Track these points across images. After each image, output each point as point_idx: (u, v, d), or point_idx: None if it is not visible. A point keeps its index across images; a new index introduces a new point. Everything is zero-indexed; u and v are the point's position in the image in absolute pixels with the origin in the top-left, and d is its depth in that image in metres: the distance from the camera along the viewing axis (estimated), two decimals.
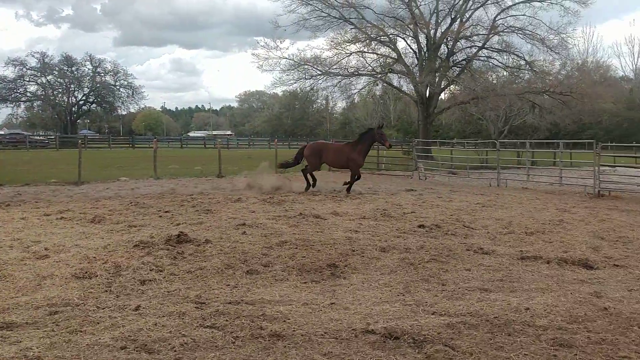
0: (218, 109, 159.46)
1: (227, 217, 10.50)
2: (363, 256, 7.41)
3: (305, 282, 6.23)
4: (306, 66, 39.13)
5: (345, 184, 16.45)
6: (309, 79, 40.00)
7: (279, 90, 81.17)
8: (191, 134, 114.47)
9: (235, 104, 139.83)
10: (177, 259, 7.07)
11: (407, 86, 44.82)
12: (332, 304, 5.38)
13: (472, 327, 4.69)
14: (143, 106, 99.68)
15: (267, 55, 38.70)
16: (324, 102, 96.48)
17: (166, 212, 11.45)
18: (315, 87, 43.31)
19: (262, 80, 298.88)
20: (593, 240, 8.96)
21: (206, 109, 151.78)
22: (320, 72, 39.46)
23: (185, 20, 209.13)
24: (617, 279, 6.55)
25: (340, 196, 14.69)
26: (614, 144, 29.35)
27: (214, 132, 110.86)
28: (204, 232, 8.79)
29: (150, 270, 6.46)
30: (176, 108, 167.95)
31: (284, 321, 4.81)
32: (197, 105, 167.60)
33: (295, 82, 40.88)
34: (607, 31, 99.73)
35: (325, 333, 4.54)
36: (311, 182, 16.62)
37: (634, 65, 76.08)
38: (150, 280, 6.11)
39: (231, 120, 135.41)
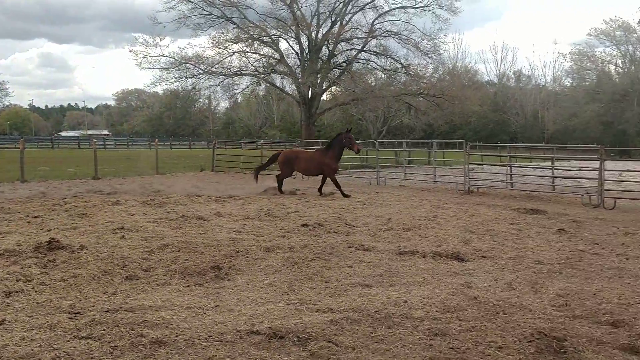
0: (93, 107, 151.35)
1: (104, 221, 9.98)
2: (247, 257, 7.37)
3: (188, 286, 6.08)
4: (188, 65, 38.29)
5: (323, 192, 16.17)
6: (191, 78, 39.19)
7: (159, 89, 78.56)
8: (63, 133, 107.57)
9: (112, 103, 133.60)
10: (48, 267, 6.61)
11: (289, 87, 45.38)
12: (217, 306, 5.30)
13: (354, 322, 4.82)
14: (7, 103, 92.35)
15: (146, 52, 37.45)
16: (206, 101, 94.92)
17: (35, 217, 10.65)
18: (197, 87, 42.53)
19: (141, 78, 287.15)
20: (464, 234, 9.57)
21: (80, 107, 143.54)
22: (202, 71, 38.78)
23: (55, 13, 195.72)
24: (485, 269, 7.04)
25: (224, 197, 14.51)
26: (481, 143, 31.53)
27: (89, 132, 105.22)
28: (78, 238, 8.30)
29: (17, 280, 5.98)
30: (46, 106, 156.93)
31: (166, 327, 4.66)
32: (70, 104, 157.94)
33: (176, 81, 39.92)
34: (473, 38, 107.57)
35: (209, 336, 4.46)
36: (282, 187, 16.52)
37: (498, 71, 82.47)
38: (17, 292, 5.65)
39: (108, 119, 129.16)
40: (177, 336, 4.45)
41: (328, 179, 16.40)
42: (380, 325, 4.76)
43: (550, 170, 19.13)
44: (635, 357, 4.24)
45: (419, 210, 12.60)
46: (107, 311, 5.08)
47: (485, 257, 7.77)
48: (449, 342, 4.41)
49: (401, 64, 40.42)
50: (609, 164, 17.94)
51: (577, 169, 19.55)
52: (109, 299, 5.51)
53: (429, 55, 39.86)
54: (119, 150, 56.72)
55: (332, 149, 16.27)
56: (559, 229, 10.37)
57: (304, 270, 6.80)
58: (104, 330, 4.56)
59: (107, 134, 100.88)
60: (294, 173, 18.56)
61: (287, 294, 5.76)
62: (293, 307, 5.28)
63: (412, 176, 22.70)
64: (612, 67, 76.18)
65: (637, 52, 71.30)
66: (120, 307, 5.21)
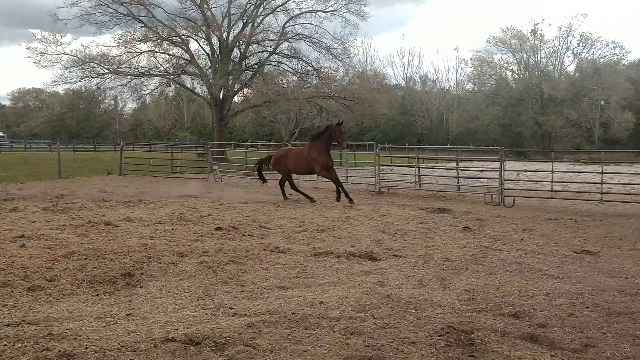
0: None
1: (2, 229, 9.34)
2: (160, 262, 7.17)
3: (97, 295, 5.83)
4: (92, 64, 36.72)
5: (337, 198, 14.87)
6: (95, 77, 37.63)
7: (60, 89, 74.52)
8: None
9: (7, 102, 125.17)
10: None
11: (200, 88, 44.70)
12: (129, 315, 5.12)
13: (271, 324, 4.82)
14: None
15: (45, 50, 35.60)
16: (112, 102, 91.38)
17: None
18: (102, 87, 40.93)
19: (40, 77, 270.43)
20: (376, 234, 9.81)
21: None
22: (108, 71, 37.34)
23: None
24: (396, 268, 7.25)
25: (133, 201, 14.02)
26: (390, 145, 32.46)
27: None
28: None
29: None
30: None
31: (75, 339, 4.45)
32: None
33: (79, 81, 38.20)
34: (381, 43, 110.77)
35: (121, 346, 4.30)
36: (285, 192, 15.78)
37: (405, 75, 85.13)
38: None
39: (2, 120, 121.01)
40: (86, 348, 4.26)
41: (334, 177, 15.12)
42: (298, 327, 4.79)
43: (455, 171, 20.00)
44: (535, 345, 4.53)
45: (332, 212, 12.78)
46: (8, 325, 4.78)
47: (396, 256, 8.01)
48: (365, 340, 4.51)
49: (312, 66, 40.90)
50: (508, 164, 19.01)
51: (480, 169, 20.56)
52: (10, 312, 5.18)
53: (340, 59, 40.69)
54: (16, 153, 53.39)
55: (320, 142, 14.94)
56: (464, 227, 10.87)
57: (219, 274, 6.71)
58: (5, 345, 4.28)
59: (2, 136, 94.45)
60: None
61: (203, 299, 5.67)
62: (209, 312, 5.21)
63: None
64: (509, 73, 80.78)
65: (531, 60, 76.00)
66: (23, 320, 4.91)
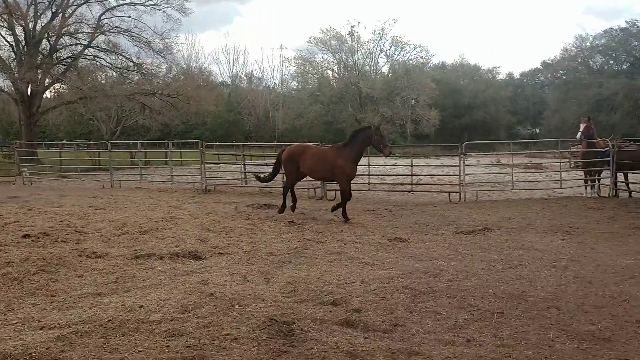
0: None
1: None
2: None
3: None
4: None
5: (334, 208, 12.25)
6: None
7: None
8: None
9: None
10: None
11: (4, 82, 40.33)
12: None
13: (84, 334, 4.52)
14: None
15: None
16: None
17: None
18: None
19: None
20: (201, 232, 9.67)
21: None
22: None
23: None
24: (221, 265, 7.22)
25: None
26: (217, 142, 32.22)
27: None
28: None
29: None
30: None
31: None
32: None
33: None
34: (206, 40, 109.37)
35: None
36: (290, 202, 12.54)
37: (230, 72, 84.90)
38: None
39: None
40: None
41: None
42: (114, 334, 4.56)
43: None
44: (350, 330, 4.81)
45: (156, 212, 12.34)
46: None
47: (222, 253, 7.97)
48: (186, 341, 4.42)
49: (133, 62, 39.11)
50: None
51: None
52: None
53: (162, 55, 39.40)
54: None
55: (352, 147, 11.99)
56: (289, 222, 11.17)
57: (25, 285, 6.13)
58: None
59: None
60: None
61: (4, 314, 5.13)
62: (11, 327, 4.73)
63: (149, 177, 22.13)
64: (330, 73, 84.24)
65: (349, 60, 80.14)
66: None
